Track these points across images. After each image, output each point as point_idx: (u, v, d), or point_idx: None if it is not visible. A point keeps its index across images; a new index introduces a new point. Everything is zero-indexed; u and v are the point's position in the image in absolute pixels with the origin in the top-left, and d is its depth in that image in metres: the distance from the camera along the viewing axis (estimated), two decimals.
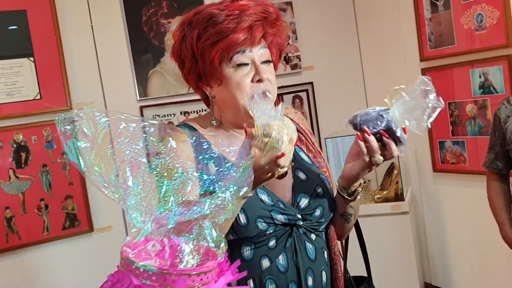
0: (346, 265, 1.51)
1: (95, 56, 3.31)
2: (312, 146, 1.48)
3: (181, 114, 3.49)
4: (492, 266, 3.18)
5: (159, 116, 3.45)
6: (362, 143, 1.24)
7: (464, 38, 3.11)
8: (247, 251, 1.27)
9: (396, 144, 1.22)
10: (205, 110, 3.77)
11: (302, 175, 1.38)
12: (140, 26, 3.42)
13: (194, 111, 3.48)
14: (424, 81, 1.19)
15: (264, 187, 1.29)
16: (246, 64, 1.26)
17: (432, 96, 1.18)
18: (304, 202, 1.33)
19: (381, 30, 3.74)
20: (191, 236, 0.89)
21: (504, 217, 2.27)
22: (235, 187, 0.95)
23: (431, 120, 1.19)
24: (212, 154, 1.13)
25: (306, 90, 3.84)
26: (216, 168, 1.14)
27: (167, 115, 3.48)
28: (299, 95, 3.83)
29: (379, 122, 1.21)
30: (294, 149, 1.36)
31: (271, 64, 1.31)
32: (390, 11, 3.64)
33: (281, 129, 1.07)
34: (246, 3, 1.25)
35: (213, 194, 0.96)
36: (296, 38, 3.83)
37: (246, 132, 1.09)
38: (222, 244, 0.93)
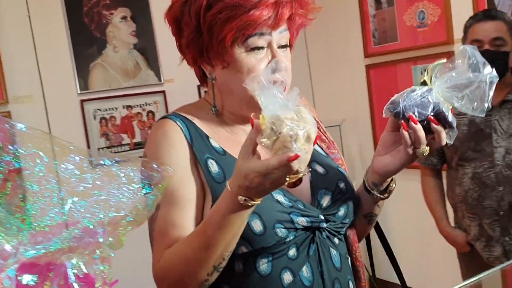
0: (374, 271, 1.35)
1: (33, 47, 3.17)
2: (324, 136, 1.28)
3: (123, 108, 3.39)
4: (434, 259, 3.28)
5: (100, 110, 3.34)
6: (406, 133, 1.02)
7: (407, 35, 3.18)
8: (263, 265, 1.05)
9: (445, 129, 1.03)
10: (149, 105, 3.74)
11: (320, 169, 1.17)
12: (80, 17, 3.30)
13: (137, 105, 3.39)
14: (472, 52, 1.00)
15: None
16: (262, 48, 1.05)
17: (487, 69, 0.99)
18: (326, 200, 1.12)
19: (327, 27, 3.77)
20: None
21: (440, 212, 2.35)
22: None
23: (489, 97, 0.99)
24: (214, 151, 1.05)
25: None
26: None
27: (109, 109, 3.37)
28: None
29: (425, 107, 1.01)
30: None
31: (288, 49, 1.11)
32: (336, 7, 3.68)
33: (296, 123, 0.87)
34: None
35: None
36: None
37: (252, 124, 0.89)
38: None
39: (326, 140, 1.27)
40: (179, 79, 3.59)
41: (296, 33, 1.13)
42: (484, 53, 2.03)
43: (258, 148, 0.90)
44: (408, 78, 3.21)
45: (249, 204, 0.93)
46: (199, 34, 1.05)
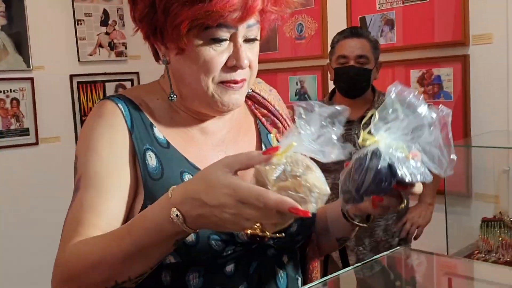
0: None
1: None
2: None
3: None
4: None
5: None
6: (376, 210, 0.90)
7: (286, 45, 3.29)
8: (194, 279, 0.92)
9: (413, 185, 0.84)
10: (14, 91, 3.46)
11: None
12: None
13: (1, 91, 3.13)
14: (401, 93, 0.82)
15: None
16: (224, 40, 0.90)
17: (424, 109, 0.81)
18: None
19: None
20: None
21: None
22: None
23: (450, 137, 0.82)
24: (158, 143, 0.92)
25: (131, 80, 3.72)
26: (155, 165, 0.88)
27: None
28: (123, 84, 3.69)
29: (383, 178, 0.80)
30: (268, 140, 1.08)
31: (257, 43, 0.96)
32: None
33: (320, 178, 0.72)
34: None
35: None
36: (124, 25, 3.68)
37: (271, 150, 0.72)
38: None
39: (286, 130, 1.11)
40: (50, 67, 3.38)
41: (268, 27, 0.99)
42: (349, 69, 2.19)
43: (244, 172, 0.74)
44: (285, 88, 3.32)
45: (179, 224, 0.74)
46: (153, 11, 0.91)
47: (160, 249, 0.80)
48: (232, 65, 0.91)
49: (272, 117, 1.12)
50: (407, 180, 0.80)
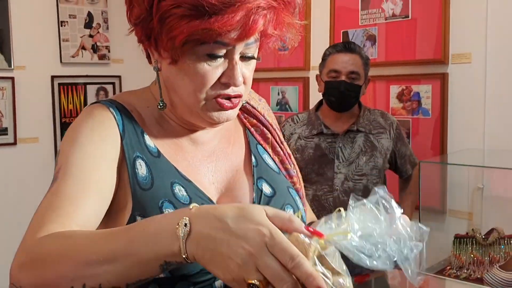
0: None
1: None
2: (280, 147, 1.10)
3: None
4: None
5: None
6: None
7: (269, 56, 3.31)
8: None
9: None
10: None
11: (267, 188, 1.00)
12: None
13: None
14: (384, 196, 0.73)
15: (213, 204, 0.93)
16: (219, 57, 0.87)
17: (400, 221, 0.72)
18: None
19: None
20: None
21: None
22: None
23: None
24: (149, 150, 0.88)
25: (113, 83, 3.70)
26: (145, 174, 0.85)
27: None
28: (105, 87, 3.67)
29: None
30: (257, 151, 1.07)
31: (254, 61, 0.93)
32: None
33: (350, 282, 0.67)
34: None
35: None
36: (107, 28, 3.67)
37: (314, 233, 0.66)
38: None
39: (281, 152, 1.10)
40: (31, 67, 3.36)
41: (266, 45, 0.96)
42: (340, 84, 2.21)
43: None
44: (266, 97, 3.33)
45: (179, 235, 0.66)
46: (149, 18, 0.87)
47: (145, 266, 0.69)
48: (226, 82, 0.89)
49: (261, 127, 1.10)
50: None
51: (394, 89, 2.74)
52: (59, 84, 3.48)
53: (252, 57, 0.91)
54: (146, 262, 0.69)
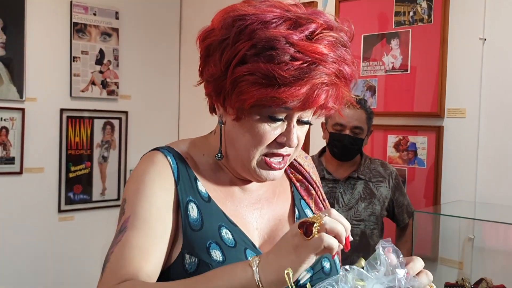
0: None
1: None
2: (322, 204, 1.18)
3: None
4: None
5: None
6: None
7: None
8: None
9: None
10: (5, 120, 3.51)
11: None
12: None
13: None
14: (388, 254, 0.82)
15: (256, 249, 1.02)
16: (280, 120, 0.96)
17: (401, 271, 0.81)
18: (304, 277, 1.02)
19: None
20: None
21: None
22: None
23: None
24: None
25: (120, 119, 3.81)
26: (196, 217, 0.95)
27: None
28: (112, 122, 3.78)
29: None
30: (301, 205, 1.15)
31: (307, 125, 1.01)
32: None
33: None
34: (325, 52, 0.91)
35: None
36: (118, 65, 3.80)
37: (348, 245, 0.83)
38: None
39: (323, 208, 1.17)
40: (43, 99, 3.46)
41: (321, 111, 1.01)
42: (344, 137, 2.30)
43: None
44: None
45: (251, 266, 0.82)
46: (223, 78, 0.96)
47: None
48: (282, 142, 0.97)
49: (306, 183, 1.18)
50: None
51: (392, 139, 2.85)
52: (68, 117, 3.58)
53: (308, 122, 1.00)
54: None
